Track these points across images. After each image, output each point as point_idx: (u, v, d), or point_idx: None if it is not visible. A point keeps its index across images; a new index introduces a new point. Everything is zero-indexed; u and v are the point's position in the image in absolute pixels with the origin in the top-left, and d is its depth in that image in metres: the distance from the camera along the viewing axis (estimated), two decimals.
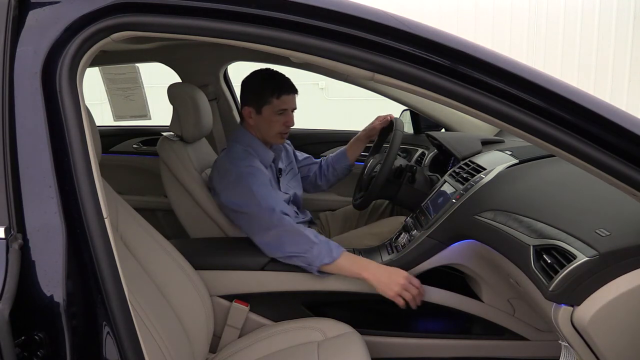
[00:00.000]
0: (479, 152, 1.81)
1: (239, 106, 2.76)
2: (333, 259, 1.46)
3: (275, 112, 1.70)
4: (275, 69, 1.77)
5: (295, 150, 2.12)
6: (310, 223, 2.03)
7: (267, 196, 1.58)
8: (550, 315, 1.01)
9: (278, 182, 1.86)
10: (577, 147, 0.75)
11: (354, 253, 1.63)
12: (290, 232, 1.51)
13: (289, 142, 2.04)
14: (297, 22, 0.76)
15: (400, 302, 1.43)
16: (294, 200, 1.92)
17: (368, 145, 2.18)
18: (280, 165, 1.90)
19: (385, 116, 2.07)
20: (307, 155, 2.18)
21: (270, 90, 1.68)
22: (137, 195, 2.70)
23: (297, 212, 1.93)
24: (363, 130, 2.12)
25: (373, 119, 2.12)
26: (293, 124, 1.75)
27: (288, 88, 1.71)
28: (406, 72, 0.77)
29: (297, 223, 1.87)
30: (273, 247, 1.51)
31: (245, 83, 1.76)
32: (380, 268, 1.46)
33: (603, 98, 0.76)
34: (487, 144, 1.90)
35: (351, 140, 2.15)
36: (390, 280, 1.42)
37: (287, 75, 1.74)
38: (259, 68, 1.80)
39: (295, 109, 1.76)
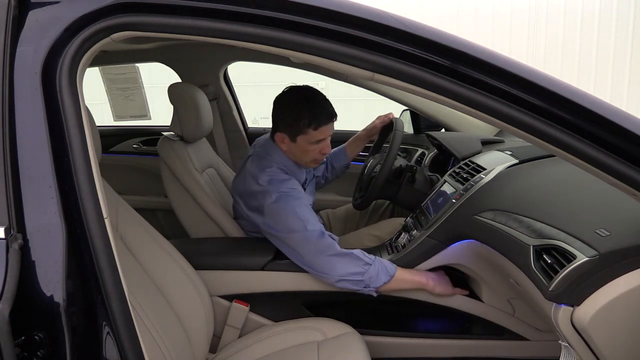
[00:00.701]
0: (479, 152, 1.81)
1: (239, 106, 2.77)
2: (391, 276, 1.43)
3: (311, 143, 1.57)
4: (313, 88, 1.61)
5: None
6: None
7: (313, 220, 1.50)
8: (550, 315, 1.01)
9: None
10: (577, 147, 0.75)
11: None
12: (341, 255, 1.43)
13: None
14: (297, 22, 0.76)
15: (462, 291, 1.53)
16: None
17: (368, 145, 2.18)
18: (307, 175, 1.82)
19: (386, 115, 2.07)
20: None
21: (308, 121, 1.53)
22: (137, 195, 2.70)
23: None
24: (364, 130, 2.12)
25: (373, 118, 2.12)
26: (329, 152, 1.64)
27: (327, 117, 1.55)
28: (406, 72, 0.77)
29: None
30: (324, 271, 1.44)
31: (280, 104, 1.61)
32: (428, 273, 1.50)
33: (603, 98, 0.76)
34: (487, 144, 1.90)
35: (351, 138, 2.14)
36: (442, 280, 1.50)
37: (324, 96, 1.60)
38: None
39: (332, 134, 1.61)
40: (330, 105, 1.59)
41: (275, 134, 1.63)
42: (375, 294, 1.45)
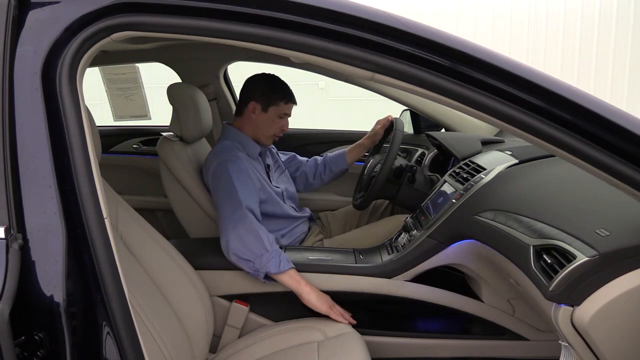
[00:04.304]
0: (479, 152, 1.81)
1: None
2: (279, 271, 1.47)
3: (278, 115, 1.81)
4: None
5: (278, 152, 2.14)
6: (310, 220, 2.03)
7: (240, 186, 1.60)
8: (550, 315, 1.01)
9: (268, 176, 1.89)
10: (577, 147, 0.75)
11: (354, 253, 1.64)
12: (248, 230, 1.51)
13: (273, 145, 2.05)
14: (297, 22, 0.76)
15: (334, 315, 1.49)
16: (288, 196, 1.94)
17: None
18: (268, 162, 1.95)
19: (385, 118, 2.07)
20: (290, 153, 2.19)
21: (281, 94, 1.80)
22: (137, 195, 2.70)
23: (294, 208, 1.94)
24: (366, 137, 2.11)
25: (373, 118, 2.12)
26: (287, 130, 1.87)
27: (293, 97, 1.84)
28: (406, 72, 0.77)
29: (298, 217, 1.90)
30: (226, 239, 1.51)
31: (255, 81, 1.83)
32: (314, 290, 1.49)
33: (603, 98, 0.76)
34: (487, 144, 1.90)
35: (353, 144, 2.14)
36: (320, 299, 1.49)
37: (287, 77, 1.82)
38: (261, 70, 1.85)
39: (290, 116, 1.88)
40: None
41: (247, 104, 1.81)
42: (263, 280, 1.50)
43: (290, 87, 1.85)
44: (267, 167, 1.92)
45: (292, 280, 1.49)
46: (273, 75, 1.86)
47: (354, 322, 1.50)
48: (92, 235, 0.77)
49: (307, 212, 2.02)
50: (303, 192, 2.21)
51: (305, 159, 2.18)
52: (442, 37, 0.76)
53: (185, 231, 1.91)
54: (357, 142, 2.13)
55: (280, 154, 2.13)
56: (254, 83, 1.83)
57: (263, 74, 1.86)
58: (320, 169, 2.13)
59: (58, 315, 0.73)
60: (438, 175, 1.99)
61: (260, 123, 1.81)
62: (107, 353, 0.77)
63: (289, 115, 1.85)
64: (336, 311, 1.50)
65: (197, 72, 2.57)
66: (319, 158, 2.17)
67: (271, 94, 1.80)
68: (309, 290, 1.49)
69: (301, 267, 1.52)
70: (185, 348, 1.26)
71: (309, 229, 2.00)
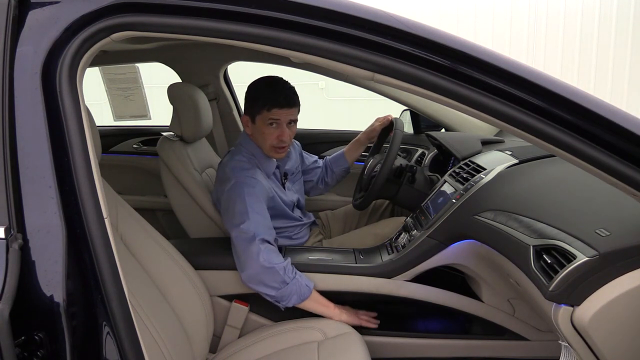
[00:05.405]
0: (479, 152, 1.81)
1: (239, 106, 2.77)
2: (302, 299, 1.47)
3: (265, 124, 1.63)
4: (280, 78, 1.70)
5: (304, 152, 2.09)
6: (312, 224, 2.02)
7: (254, 215, 1.51)
8: (550, 315, 1.01)
9: (283, 186, 1.83)
10: (577, 147, 0.75)
11: (354, 253, 1.63)
12: (263, 269, 1.45)
13: (297, 142, 2.02)
14: (297, 22, 0.76)
15: (365, 322, 1.53)
16: (298, 205, 1.91)
17: (368, 145, 2.18)
18: (287, 166, 1.87)
19: (385, 117, 2.07)
20: (316, 157, 2.14)
21: (263, 101, 1.62)
22: (137, 195, 2.70)
23: (300, 217, 1.91)
24: (363, 133, 2.12)
25: (373, 118, 2.12)
26: (287, 138, 1.66)
27: (282, 101, 1.61)
28: (406, 72, 0.77)
29: (302, 224, 1.88)
30: (245, 280, 1.48)
31: (248, 89, 1.70)
32: (342, 309, 1.52)
33: (603, 98, 0.76)
34: (487, 144, 1.90)
35: (351, 142, 2.14)
36: (349, 315, 1.51)
37: (290, 85, 1.67)
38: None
39: (294, 121, 1.68)
40: (292, 93, 1.65)
41: (242, 117, 1.73)
42: (283, 308, 1.49)
43: (284, 90, 1.64)
44: (284, 175, 1.84)
45: (319, 305, 1.49)
46: (265, 78, 1.69)
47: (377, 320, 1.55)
48: (92, 235, 0.77)
49: (311, 218, 2.00)
50: (311, 197, 2.20)
51: (322, 164, 2.15)
52: (442, 37, 0.76)
53: (185, 231, 1.91)
54: (354, 139, 2.13)
55: (305, 154, 2.08)
56: (245, 94, 1.70)
57: (257, 80, 1.70)
58: (322, 171, 2.12)
59: (58, 315, 0.73)
60: (438, 175, 1.99)
61: (256, 136, 1.69)
62: (107, 353, 0.77)
63: (283, 121, 1.63)
64: (364, 318, 1.52)
65: (197, 72, 2.57)
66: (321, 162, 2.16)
67: (253, 103, 1.65)
68: (339, 312, 1.50)
69: (301, 267, 1.52)
70: (185, 348, 1.26)
71: (309, 230, 2.00)
